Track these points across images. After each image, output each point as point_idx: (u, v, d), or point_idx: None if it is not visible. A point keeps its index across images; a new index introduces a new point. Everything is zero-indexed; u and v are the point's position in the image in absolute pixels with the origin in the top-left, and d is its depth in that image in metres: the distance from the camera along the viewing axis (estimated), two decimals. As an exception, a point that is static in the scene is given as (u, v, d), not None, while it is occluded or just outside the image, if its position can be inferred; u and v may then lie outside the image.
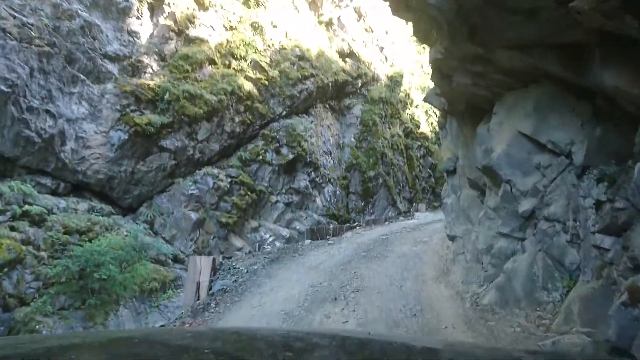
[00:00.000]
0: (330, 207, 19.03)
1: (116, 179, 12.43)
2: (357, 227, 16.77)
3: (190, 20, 15.27)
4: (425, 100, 11.27)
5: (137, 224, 12.85)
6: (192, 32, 15.29)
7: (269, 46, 17.71)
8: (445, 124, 11.04)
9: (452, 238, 10.14)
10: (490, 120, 7.45)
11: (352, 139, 21.95)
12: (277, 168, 16.73)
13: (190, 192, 13.89)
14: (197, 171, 14.41)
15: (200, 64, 14.97)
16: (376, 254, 11.36)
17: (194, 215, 13.67)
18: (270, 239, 15.48)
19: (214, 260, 10.03)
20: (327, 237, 14.70)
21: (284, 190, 17.06)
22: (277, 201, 16.67)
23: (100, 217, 11.52)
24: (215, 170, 14.79)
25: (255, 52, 17.00)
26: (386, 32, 26.68)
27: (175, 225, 13.49)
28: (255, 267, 10.75)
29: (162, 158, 13.48)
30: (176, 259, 12.94)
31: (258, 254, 12.68)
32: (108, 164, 12.16)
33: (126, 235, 11.39)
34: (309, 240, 14.34)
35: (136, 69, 13.56)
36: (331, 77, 20.37)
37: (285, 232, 16.05)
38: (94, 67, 12.22)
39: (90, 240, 10.09)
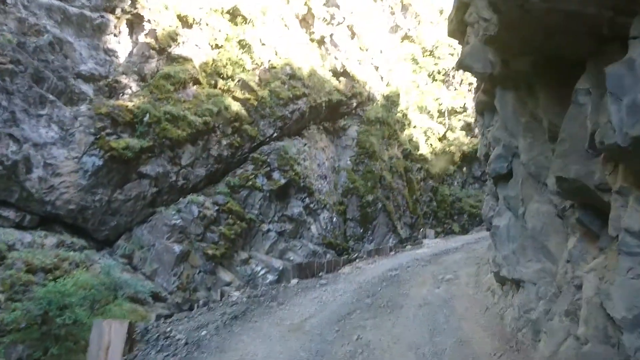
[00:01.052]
0: (326, 235, 18.14)
1: (90, 209, 11.55)
2: (357, 260, 15.70)
3: (173, 37, 14.64)
4: (460, 65, 7.77)
5: (113, 258, 11.93)
6: (175, 50, 14.65)
7: (257, 65, 17.09)
8: (489, 104, 8.44)
9: (511, 282, 7.34)
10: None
11: (348, 162, 21.20)
12: (268, 194, 15.90)
13: (173, 222, 12.99)
14: (180, 199, 13.57)
15: (183, 84, 14.28)
16: (386, 302, 8.80)
17: (177, 248, 12.74)
18: (262, 272, 14.54)
19: (130, 326, 7.11)
20: (320, 274, 13.33)
21: (276, 218, 16.18)
22: (268, 230, 15.78)
23: (71, 253, 10.60)
24: (201, 198, 13.93)
25: (243, 71, 16.38)
26: (380, 51, 26.25)
27: (157, 259, 12.55)
28: (204, 332, 7.86)
29: (141, 185, 12.63)
30: (158, 297, 11.97)
31: (217, 305, 10.10)
32: (80, 192, 11.30)
33: (99, 272, 10.45)
34: (296, 280, 12.71)
35: (113, 90, 12.83)
36: (324, 96, 19.74)
37: (279, 263, 15.11)
38: (65, 87, 11.48)
39: (56, 279, 9.13)
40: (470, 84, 32.02)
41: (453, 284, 9.80)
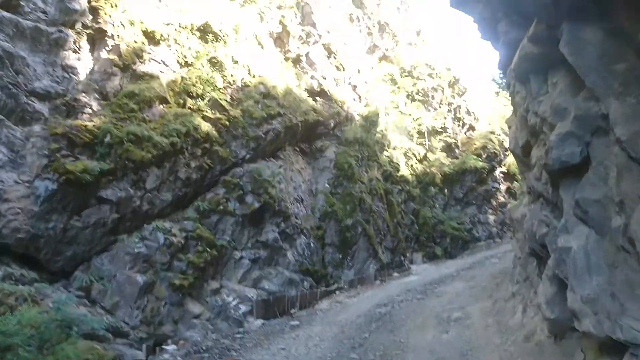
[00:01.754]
0: (303, 262, 17.46)
1: (42, 238, 10.72)
2: (337, 292, 14.77)
3: (138, 54, 14.08)
4: None
5: (68, 291, 11.07)
6: (141, 67, 14.08)
7: (229, 83, 16.61)
8: (544, 57, 6.08)
9: (605, 344, 4.70)
10: None
11: (326, 185, 20.70)
12: (241, 219, 15.22)
13: (136, 250, 12.22)
14: (145, 226, 12.80)
15: (149, 103, 13.67)
16: (379, 356, 6.85)
17: (140, 278, 11.95)
18: (234, 302, 13.77)
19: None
20: (292, 310, 12.09)
21: (249, 245, 15.48)
22: (241, 257, 15.05)
23: (19, 287, 9.74)
24: (168, 224, 13.20)
25: (214, 89, 15.85)
26: (358, 71, 26.08)
27: (118, 291, 11.72)
28: None
29: (101, 211, 11.86)
30: (118, 333, 11.13)
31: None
32: (32, 220, 10.49)
33: (51, 308, 9.61)
34: (261, 321, 11.30)
35: (72, 109, 12.14)
36: (300, 116, 19.30)
37: (252, 293, 14.37)
38: (16, 106, 10.77)
39: (-2, 317, 8.30)
40: (450, 103, 32.07)
41: (465, 327, 7.80)
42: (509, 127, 8.90)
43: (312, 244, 18.42)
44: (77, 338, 9.67)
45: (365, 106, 25.46)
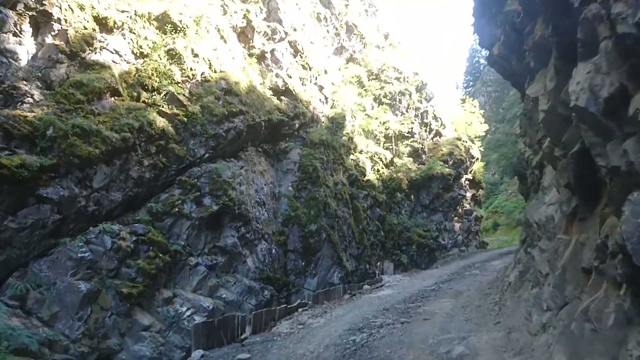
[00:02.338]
0: (264, 269, 16.74)
1: (-30, 240, 9.67)
2: (300, 309, 13.81)
3: (88, 42, 13.13)
4: None
5: (1, 301, 10.03)
6: (91, 56, 13.14)
7: (189, 77, 15.78)
8: None
9: None
10: None
11: (290, 188, 20.05)
12: (197, 222, 14.38)
13: (80, 255, 11.24)
14: (90, 228, 11.83)
15: (98, 94, 12.73)
16: None
17: (84, 286, 10.99)
18: (188, 312, 12.91)
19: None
20: (243, 336, 10.86)
21: (206, 250, 14.65)
22: (197, 264, 14.19)
23: (-61, 295, 8.70)
24: (116, 227, 12.26)
25: (172, 83, 15.01)
26: (325, 71, 25.57)
27: (58, 301, 10.73)
28: None
29: (41, 212, 10.85)
30: (57, 347, 10.16)
31: None
32: (-42, 220, 9.44)
33: (-24, 320, 8.61)
34: (200, 352, 10.03)
35: (10, 97, 11.11)
36: (264, 115, 18.60)
37: (208, 302, 13.54)
38: (-57, 91, 9.70)
39: None
40: (417, 108, 31.98)
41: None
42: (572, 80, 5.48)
43: (273, 250, 17.72)
44: (6, 354, 8.72)
45: (331, 108, 24.96)
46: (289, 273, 18.36)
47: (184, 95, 15.19)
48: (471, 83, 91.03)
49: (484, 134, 38.18)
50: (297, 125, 21.17)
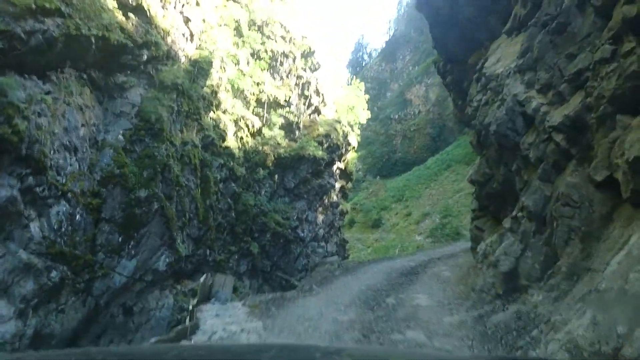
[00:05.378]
0: (57, 241, 12.47)
1: None
2: None
3: None
4: None
5: None
6: None
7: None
8: None
9: None
10: None
11: (121, 137, 15.75)
12: (-52, 157, 9.75)
13: None
14: None
15: None
16: None
17: None
18: None
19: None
20: None
21: (-45, 202, 10.07)
22: None
23: None
24: None
25: None
26: (197, 3, 21.31)
27: None
28: None
29: None
30: None
31: None
32: None
33: None
34: None
35: None
36: (98, 30, 14.11)
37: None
38: None
39: None
40: (299, 76, 28.96)
41: None
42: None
43: (78, 217, 13.44)
44: None
45: (197, 48, 20.82)
46: (97, 250, 14.19)
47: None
48: (353, 77, 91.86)
49: (365, 122, 36.32)
50: (144, 56, 16.76)
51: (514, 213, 9.69)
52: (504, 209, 11.35)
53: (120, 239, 14.86)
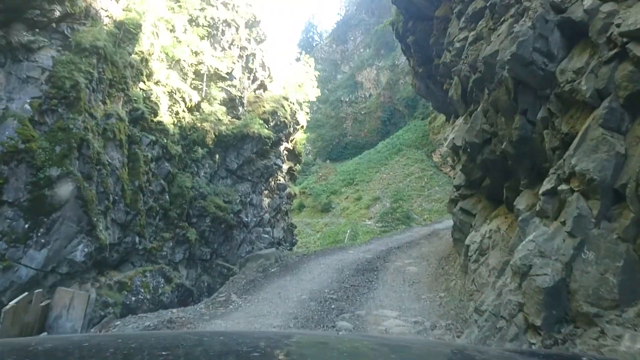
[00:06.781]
0: (-62, 228, 10.40)
1: None
2: None
3: None
4: None
5: None
6: None
7: None
8: None
9: None
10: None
11: (27, 107, 13.65)
12: None
13: None
14: None
15: None
16: None
17: None
18: None
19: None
20: None
21: None
22: None
23: None
24: None
25: None
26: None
27: None
28: None
29: None
30: None
31: None
32: None
33: None
34: None
35: None
36: (-7, -25, 11.92)
37: None
38: None
39: None
40: (243, 47, 27.06)
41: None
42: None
43: (-31, 199, 11.37)
44: None
45: (124, 9, 18.65)
46: (-4, 238, 12.18)
47: None
48: (302, 53, 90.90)
49: (315, 100, 34.89)
50: (56, 13, 14.56)
51: (547, 185, 6.53)
52: (514, 182, 8.83)
53: (26, 226, 12.88)
